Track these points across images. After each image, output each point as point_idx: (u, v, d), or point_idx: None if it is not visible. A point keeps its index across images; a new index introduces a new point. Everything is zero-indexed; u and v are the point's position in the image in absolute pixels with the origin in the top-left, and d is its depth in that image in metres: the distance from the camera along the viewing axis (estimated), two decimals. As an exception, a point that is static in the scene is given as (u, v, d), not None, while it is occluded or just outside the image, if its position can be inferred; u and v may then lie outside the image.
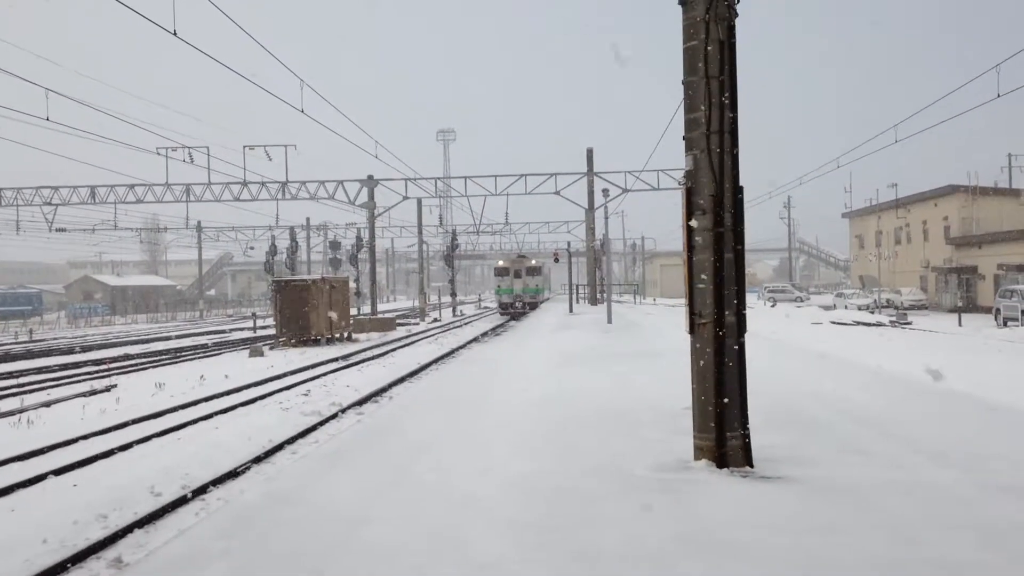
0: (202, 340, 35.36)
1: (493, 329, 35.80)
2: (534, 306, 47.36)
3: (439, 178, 49.02)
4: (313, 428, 12.29)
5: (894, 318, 33.52)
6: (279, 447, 10.93)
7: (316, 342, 28.49)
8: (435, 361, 22.25)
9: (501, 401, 10.50)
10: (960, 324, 31.00)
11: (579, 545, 4.80)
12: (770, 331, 21.23)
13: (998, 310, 32.31)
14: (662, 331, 23.13)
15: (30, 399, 16.47)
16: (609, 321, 28.65)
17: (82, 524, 7.43)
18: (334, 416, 13.32)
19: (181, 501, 8.38)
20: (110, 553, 6.92)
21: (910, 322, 32.47)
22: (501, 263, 49.20)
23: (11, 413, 14.57)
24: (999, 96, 21.67)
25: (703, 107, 6.25)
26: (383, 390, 16.58)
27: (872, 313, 38.52)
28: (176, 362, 24.96)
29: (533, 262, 49.24)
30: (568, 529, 5.10)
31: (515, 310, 46.56)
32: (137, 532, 7.47)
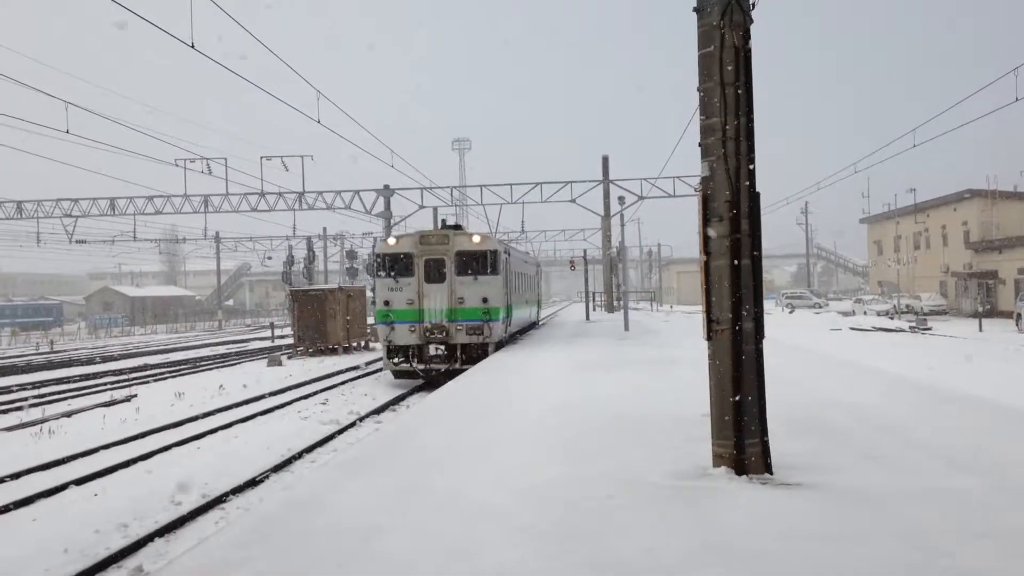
0: (221, 350, 35.60)
1: (509, 337, 35.64)
2: (475, 353, 19.53)
3: (455, 187, 48.91)
4: (331, 437, 12.36)
5: (914, 324, 33.20)
6: (298, 456, 11.00)
7: (333, 351, 28.61)
8: (452, 369, 22.23)
9: (517, 408, 10.48)
10: (981, 329, 30.70)
11: (597, 554, 4.78)
12: (788, 338, 21.11)
13: (1019, 315, 31.95)
14: (679, 338, 23.06)
15: (52, 409, 16.64)
16: (626, 328, 28.57)
17: (103, 533, 7.50)
18: (352, 425, 13.39)
19: (201, 510, 8.44)
20: (131, 562, 6.97)
21: (930, 328, 32.15)
22: (391, 242, 20.63)
23: (33, 423, 14.73)
24: (1017, 100, 21.59)
25: (719, 114, 6.24)
26: (400, 398, 16.63)
27: (892, 319, 38.19)
28: (195, 372, 25.15)
29: (476, 239, 19.98)
30: (586, 538, 5.09)
31: (424, 367, 19.11)
32: (158, 541, 7.54)
